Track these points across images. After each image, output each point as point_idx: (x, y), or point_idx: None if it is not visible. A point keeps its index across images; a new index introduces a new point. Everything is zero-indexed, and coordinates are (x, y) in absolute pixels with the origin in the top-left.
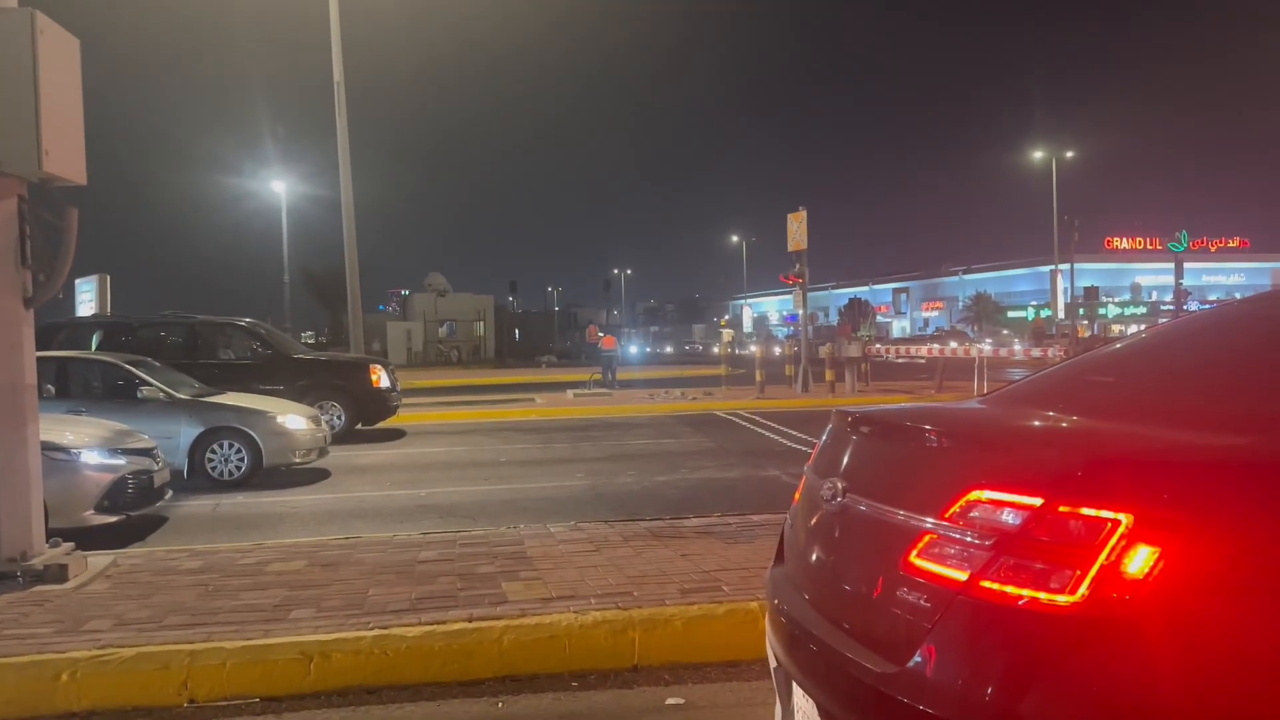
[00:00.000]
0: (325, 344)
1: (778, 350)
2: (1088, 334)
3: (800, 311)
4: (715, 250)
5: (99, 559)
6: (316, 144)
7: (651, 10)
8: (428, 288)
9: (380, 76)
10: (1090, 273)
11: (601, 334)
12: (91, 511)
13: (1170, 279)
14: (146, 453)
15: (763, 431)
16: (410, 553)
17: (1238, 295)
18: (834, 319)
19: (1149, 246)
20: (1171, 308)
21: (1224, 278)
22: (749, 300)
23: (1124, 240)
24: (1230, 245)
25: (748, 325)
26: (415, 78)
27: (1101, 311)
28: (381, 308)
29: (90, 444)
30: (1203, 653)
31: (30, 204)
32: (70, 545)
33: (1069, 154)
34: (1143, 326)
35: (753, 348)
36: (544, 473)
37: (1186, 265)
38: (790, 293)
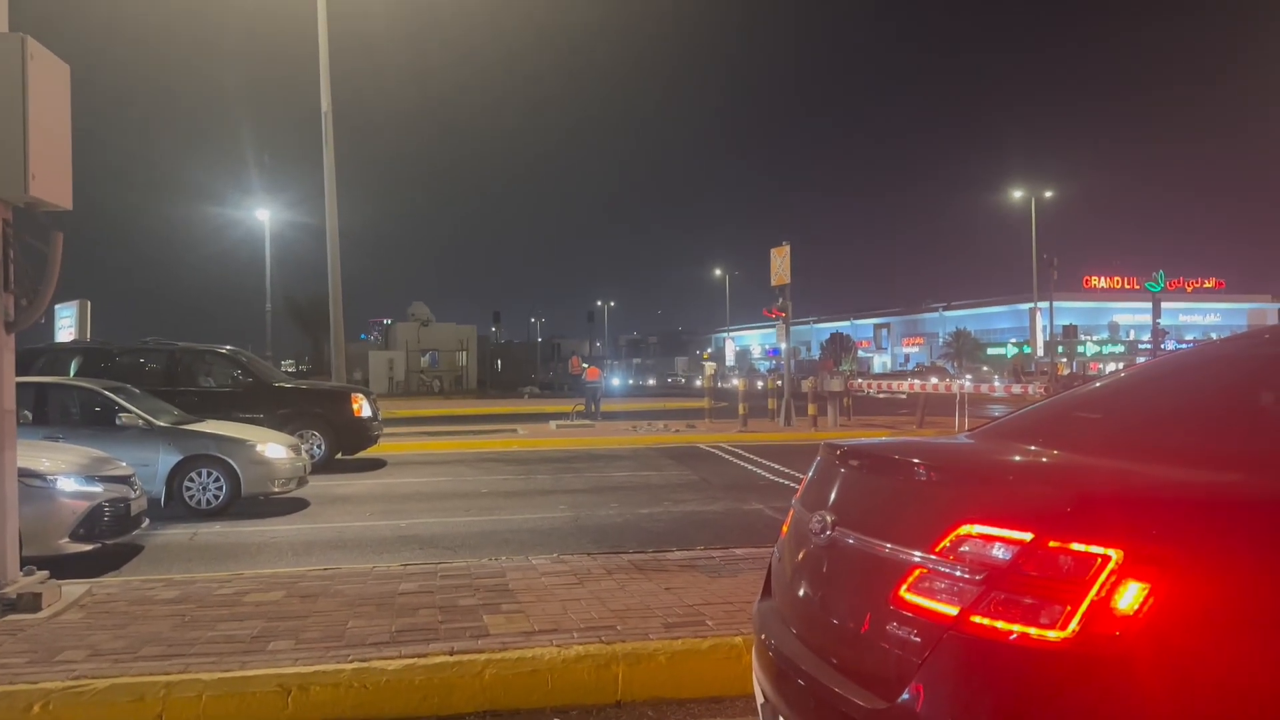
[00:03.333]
0: (307, 372)
1: (760, 384)
2: (1067, 372)
3: (783, 345)
4: (698, 284)
5: (74, 588)
6: (303, 172)
7: (638, 48)
8: (410, 317)
9: (369, 107)
10: (1069, 311)
11: (585, 365)
12: (67, 539)
13: (1148, 318)
14: (124, 480)
15: (745, 465)
16: (390, 584)
17: (1214, 335)
18: (816, 353)
19: (1127, 286)
20: (1149, 347)
21: (1200, 318)
22: (731, 333)
23: (1102, 279)
24: (1206, 285)
25: (730, 358)
26: (403, 109)
27: (1080, 349)
28: (364, 336)
29: (67, 471)
30: (1193, 689)
31: (14, 228)
32: (45, 574)
33: (1048, 194)
34: (1122, 365)
35: (735, 381)
36: (526, 504)
37: (1164, 305)
38: (773, 326)
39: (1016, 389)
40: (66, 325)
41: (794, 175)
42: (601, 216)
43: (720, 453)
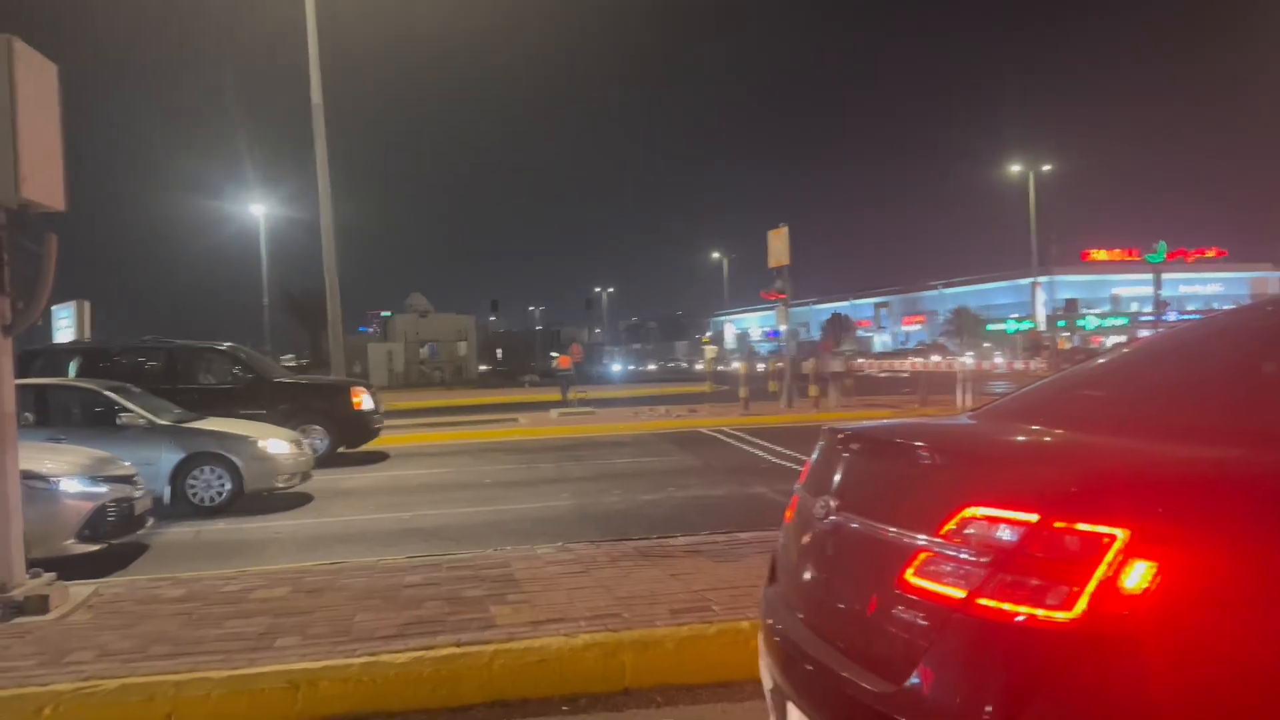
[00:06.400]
0: (306, 366)
1: (761, 366)
2: (1069, 346)
3: (783, 327)
4: (697, 267)
5: (80, 589)
6: (296, 165)
7: (634, 30)
8: (409, 308)
9: (360, 98)
10: (1069, 285)
11: (555, 355)
12: (73, 540)
13: (1148, 290)
14: (127, 480)
15: (748, 448)
16: (396, 577)
17: (1216, 305)
18: (816, 334)
19: (1127, 258)
20: (1151, 319)
21: (1202, 288)
22: (731, 317)
23: (1102, 252)
24: (1208, 255)
25: (730, 342)
26: (395, 99)
27: (1081, 323)
28: (362, 329)
29: (70, 472)
30: (1201, 667)
31: (8, 230)
32: (51, 575)
33: (1046, 167)
34: (1124, 338)
35: (736, 364)
36: (529, 493)
37: (1165, 276)
38: (772, 309)
39: (1019, 365)
40: (64, 325)
41: (792, 156)
42: (599, 201)
43: (722, 436)
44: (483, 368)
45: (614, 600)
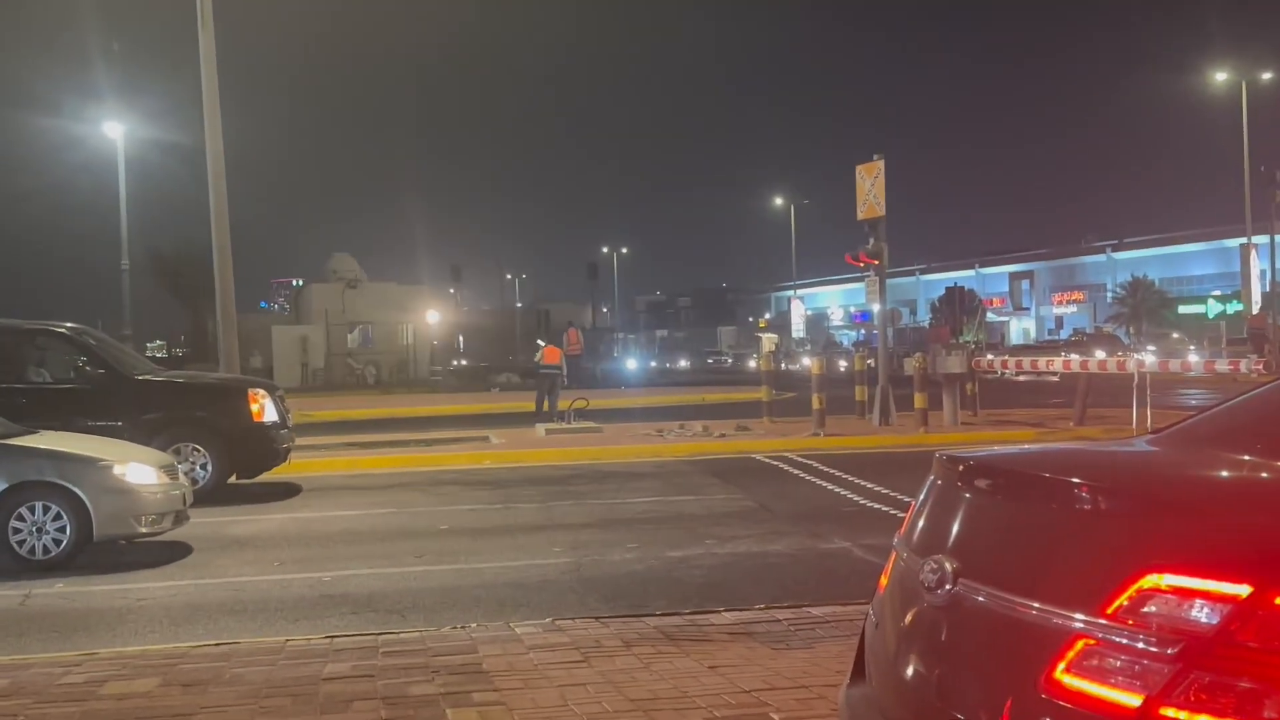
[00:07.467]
0: (183, 359)
1: (843, 364)
2: None
3: (876, 306)
4: (752, 223)
5: None
6: (171, 70)
7: None
8: (332, 276)
9: None
10: None
11: (541, 343)
12: None
13: None
14: None
15: (824, 483)
16: (311, 666)
17: None
18: (925, 317)
19: None
20: None
21: None
22: (801, 291)
23: None
24: None
25: (799, 327)
26: None
27: None
28: (265, 305)
29: None
30: None
31: None
32: None
33: (1266, 75)
34: None
35: (806, 360)
36: (504, 547)
37: None
38: (860, 280)
39: (1224, 364)
40: None
41: (890, 60)
42: (612, 137)
43: (786, 466)
44: (436, 368)
45: (627, 703)
